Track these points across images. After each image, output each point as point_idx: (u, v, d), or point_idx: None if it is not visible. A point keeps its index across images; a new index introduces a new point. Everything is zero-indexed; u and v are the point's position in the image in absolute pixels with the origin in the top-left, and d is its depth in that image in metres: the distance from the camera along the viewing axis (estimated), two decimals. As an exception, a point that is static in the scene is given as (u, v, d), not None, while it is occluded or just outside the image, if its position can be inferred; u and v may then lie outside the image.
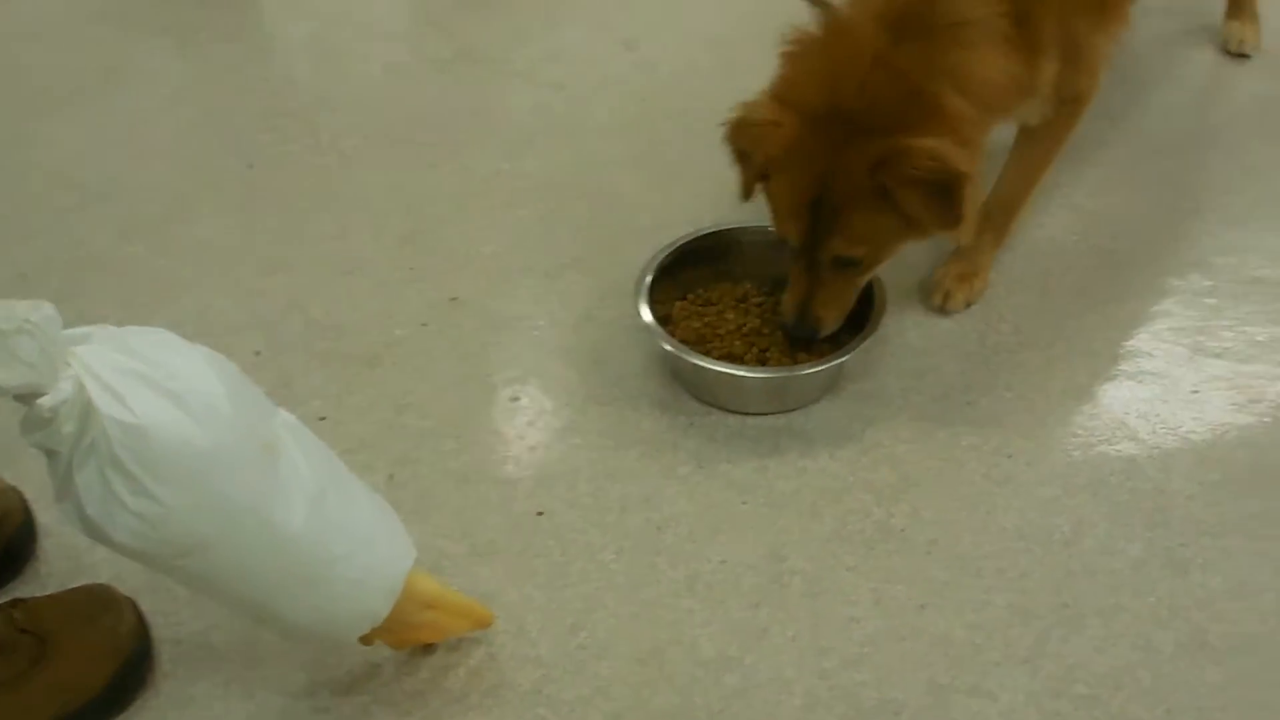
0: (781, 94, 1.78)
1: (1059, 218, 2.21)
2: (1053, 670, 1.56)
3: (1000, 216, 2.09)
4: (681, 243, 2.01)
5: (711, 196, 2.22)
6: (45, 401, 1.17)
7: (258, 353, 1.95)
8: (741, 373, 1.86)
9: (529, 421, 1.88)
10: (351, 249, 2.14)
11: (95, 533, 1.24)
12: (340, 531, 1.40)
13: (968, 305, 2.07)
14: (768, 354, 1.91)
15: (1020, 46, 1.78)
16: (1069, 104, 1.97)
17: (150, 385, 1.23)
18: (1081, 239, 2.18)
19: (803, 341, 1.92)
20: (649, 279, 1.94)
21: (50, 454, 1.21)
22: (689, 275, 1.99)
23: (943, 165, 1.67)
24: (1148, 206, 2.25)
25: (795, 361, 1.90)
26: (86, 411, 1.19)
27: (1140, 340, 2.01)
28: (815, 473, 1.80)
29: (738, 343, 1.92)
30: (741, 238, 2.04)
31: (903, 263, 2.04)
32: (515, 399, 1.90)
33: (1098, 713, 1.52)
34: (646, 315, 1.89)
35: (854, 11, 1.78)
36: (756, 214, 2.00)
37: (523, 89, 2.50)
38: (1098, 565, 1.68)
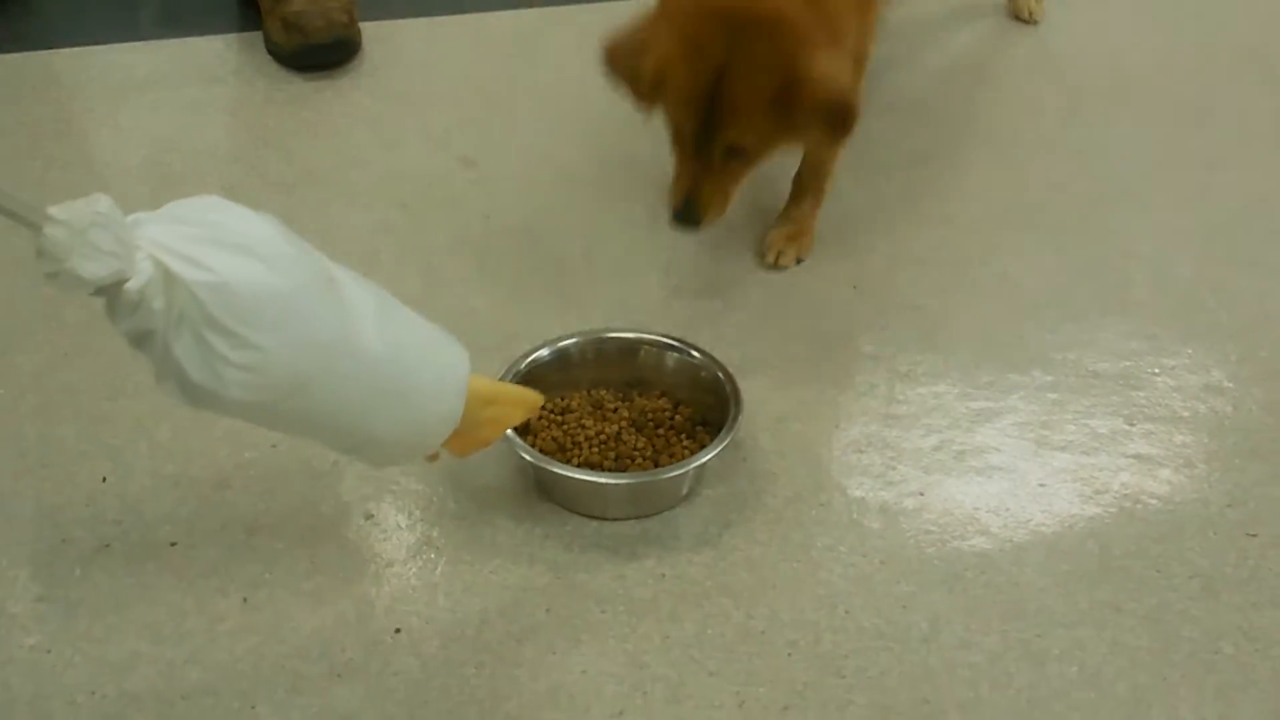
0: (660, 11, 2.01)
1: (904, 318, 2.25)
2: (918, 765, 1.58)
3: (814, 182, 2.32)
4: (534, 353, 2.01)
5: (556, 309, 2.22)
6: (131, 285, 1.23)
7: (104, 479, 1.91)
8: (605, 480, 1.86)
9: (384, 538, 1.86)
10: (197, 372, 2.11)
11: (204, 399, 1.32)
12: (408, 345, 1.50)
13: (798, 261, 2.30)
14: (627, 460, 1.92)
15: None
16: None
17: (218, 244, 1.28)
18: (925, 338, 2.21)
19: (691, 225, 2.06)
20: (505, 391, 1.93)
21: (144, 337, 1.29)
22: (543, 386, 1.99)
23: (840, 97, 1.91)
24: (988, 305, 2.31)
25: (656, 465, 1.91)
26: (170, 283, 1.25)
27: (987, 436, 2.04)
28: (673, 579, 1.80)
29: (595, 450, 1.92)
30: (591, 346, 2.05)
31: (755, 358, 2.06)
32: (369, 516, 1.88)
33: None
34: (505, 426, 1.89)
35: None
36: (604, 321, 2.01)
37: (365, 209, 2.49)
38: (957, 660, 1.70)
